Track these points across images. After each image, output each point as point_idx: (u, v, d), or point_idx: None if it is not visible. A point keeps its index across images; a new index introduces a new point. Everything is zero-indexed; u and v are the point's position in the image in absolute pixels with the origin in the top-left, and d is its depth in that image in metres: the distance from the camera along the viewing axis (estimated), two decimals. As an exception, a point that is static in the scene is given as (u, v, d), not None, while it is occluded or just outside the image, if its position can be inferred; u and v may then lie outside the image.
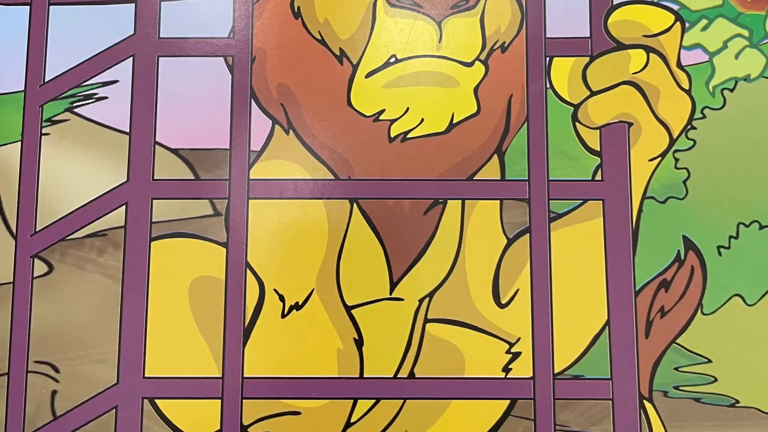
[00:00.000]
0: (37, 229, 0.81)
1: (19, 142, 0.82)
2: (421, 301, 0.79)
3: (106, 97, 0.83)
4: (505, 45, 0.82)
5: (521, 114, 0.82)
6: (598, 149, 0.81)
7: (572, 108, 0.82)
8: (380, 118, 0.81)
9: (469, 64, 0.82)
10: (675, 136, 0.81)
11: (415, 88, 0.82)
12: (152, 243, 0.80)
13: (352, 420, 0.78)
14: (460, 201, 0.81)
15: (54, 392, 0.79)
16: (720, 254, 0.80)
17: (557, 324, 0.79)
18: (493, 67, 0.82)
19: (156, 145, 0.82)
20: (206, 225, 0.80)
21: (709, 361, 0.78)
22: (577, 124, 0.81)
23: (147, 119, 0.82)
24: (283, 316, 0.79)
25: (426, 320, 0.79)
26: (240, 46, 0.83)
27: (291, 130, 0.82)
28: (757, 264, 0.80)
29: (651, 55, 0.82)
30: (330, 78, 0.82)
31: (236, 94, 0.82)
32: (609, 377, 0.78)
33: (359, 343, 0.79)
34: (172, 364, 0.79)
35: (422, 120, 0.81)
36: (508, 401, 0.78)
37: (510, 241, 0.80)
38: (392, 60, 0.82)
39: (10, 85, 0.83)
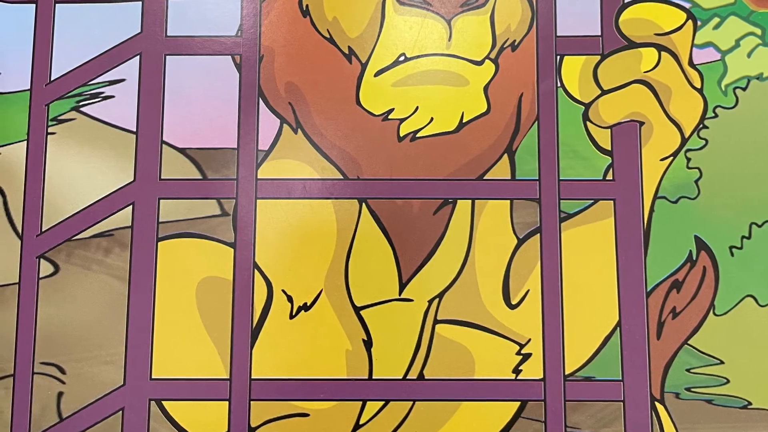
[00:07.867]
0: (43, 230, 0.80)
1: (25, 142, 0.82)
2: (430, 301, 0.79)
3: (113, 96, 0.82)
4: (516, 43, 0.82)
5: (532, 113, 0.81)
6: (610, 149, 0.81)
7: (583, 107, 0.81)
8: (389, 117, 0.81)
9: (479, 63, 0.82)
10: (687, 135, 0.81)
11: (424, 86, 0.81)
12: (159, 243, 0.80)
13: (361, 422, 0.78)
14: (470, 201, 0.80)
15: (60, 394, 0.78)
16: (732, 254, 0.79)
17: (568, 325, 0.78)
18: (504, 66, 0.82)
19: (163, 145, 0.81)
20: (214, 225, 0.80)
21: (722, 362, 0.78)
22: (588, 123, 0.81)
23: (154, 118, 0.81)
24: (292, 317, 0.79)
25: (435, 321, 0.79)
26: (248, 44, 0.83)
27: (299, 129, 0.81)
28: (770, 264, 0.79)
29: (663, 53, 0.81)
30: (338, 77, 0.82)
31: (244, 92, 0.82)
32: (620, 379, 0.78)
33: (368, 344, 0.78)
34: (179, 366, 0.78)
35: (432, 119, 0.81)
36: (519, 403, 0.78)
37: (520, 242, 0.80)
38: (401, 58, 0.82)
39: (16, 83, 0.82)
